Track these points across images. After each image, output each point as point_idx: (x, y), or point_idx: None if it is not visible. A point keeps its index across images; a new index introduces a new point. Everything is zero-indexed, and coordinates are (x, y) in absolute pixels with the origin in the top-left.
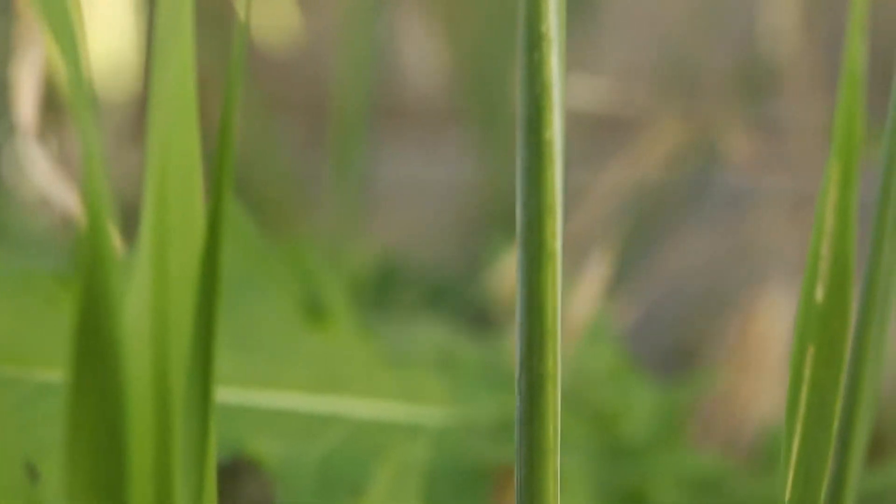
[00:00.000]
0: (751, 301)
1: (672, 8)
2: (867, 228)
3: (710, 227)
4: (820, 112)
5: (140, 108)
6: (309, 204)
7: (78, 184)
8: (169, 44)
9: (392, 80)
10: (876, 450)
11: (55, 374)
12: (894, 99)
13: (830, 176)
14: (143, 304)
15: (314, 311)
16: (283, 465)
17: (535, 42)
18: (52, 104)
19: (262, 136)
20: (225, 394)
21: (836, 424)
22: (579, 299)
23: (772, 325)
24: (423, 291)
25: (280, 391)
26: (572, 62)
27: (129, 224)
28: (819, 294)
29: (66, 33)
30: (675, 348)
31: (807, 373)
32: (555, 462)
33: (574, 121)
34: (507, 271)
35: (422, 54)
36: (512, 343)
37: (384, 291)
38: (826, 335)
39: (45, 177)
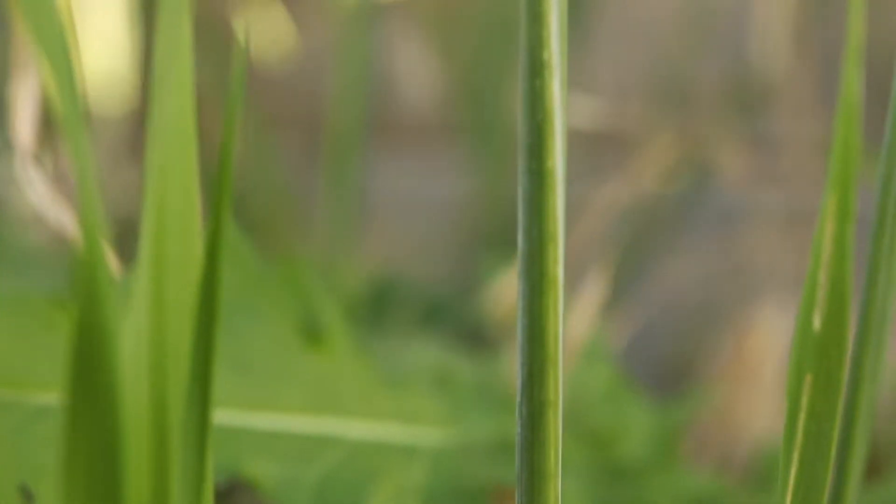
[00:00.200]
0: (745, 317)
1: (664, 25)
2: (864, 242)
3: (704, 244)
4: (813, 127)
5: (137, 123)
6: (305, 219)
7: (74, 203)
8: (168, 69)
9: (387, 97)
10: (871, 468)
11: (52, 397)
12: (891, 120)
13: (828, 206)
14: (141, 328)
15: (311, 332)
16: (280, 487)
17: (537, 69)
18: (49, 122)
19: (258, 152)
20: (221, 415)
21: (833, 452)
22: (576, 319)
23: (767, 342)
24: (420, 309)
25: (277, 413)
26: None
27: (128, 240)
28: (816, 323)
29: (59, 53)
30: (670, 364)
31: (804, 401)
32: (556, 488)
33: (568, 139)
34: (503, 289)
35: (417, 70)
36: (509, 362)
37: (380, 309)
38: (823, 364)
39: (41, 197)
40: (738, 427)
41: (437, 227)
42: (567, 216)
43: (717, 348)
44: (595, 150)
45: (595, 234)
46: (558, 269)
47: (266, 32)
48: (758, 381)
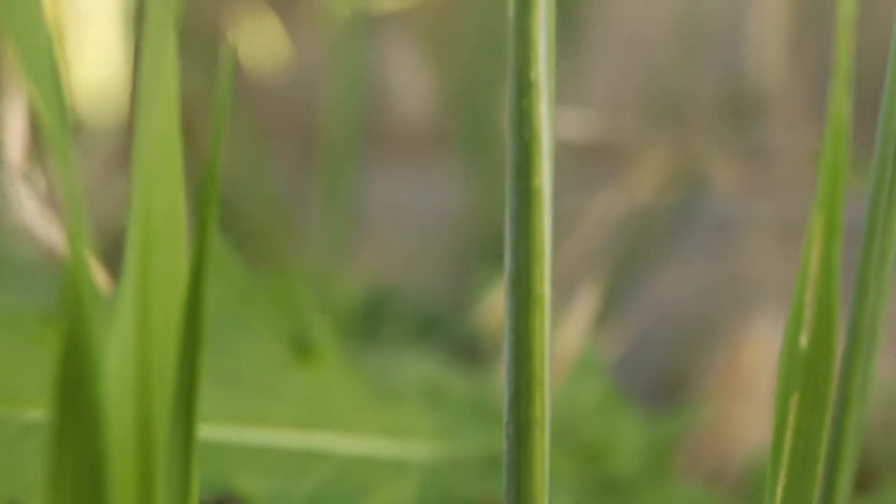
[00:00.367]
0: (739, 329)
1: (658, 37)
2: (853, 254)
3: (698, 255)
4: (807, 138)
5: (130, 134)
6: (298, 230)
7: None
8: (154, 83)
9: (381, 108)
10: (862, 481)
11: (42, 412)
12: (881, 133)
13: (815, 225)
14: (127, 344)
15: (301, 347)
16: (271, 502)
17: (524, 89)
18: (39, 138)
19: (252, 163)
20: (212, 430)
21: (820, 470)
22: (568, 334)
23: (761, 354)
24: (413, 322)
25: (267, 428)
26: (560, 93)
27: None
28: (803, 341)
29: (44, 70)
30: (663, 376)
31: (791, 419)
32: None
33: (562, 151)
34: (496, 303)
35: (411, 82)
36: (501, 377)
37: (373, 322)
38: (810, 382)
39: (31, 212)
40: (732, 440)
41: (430, 238)
42: (562, 228)
43: (711, 360)
44: (590, 161)
45: (589, 246)
46: (545, 287)
47: (260, 43)
48: (751, 393)
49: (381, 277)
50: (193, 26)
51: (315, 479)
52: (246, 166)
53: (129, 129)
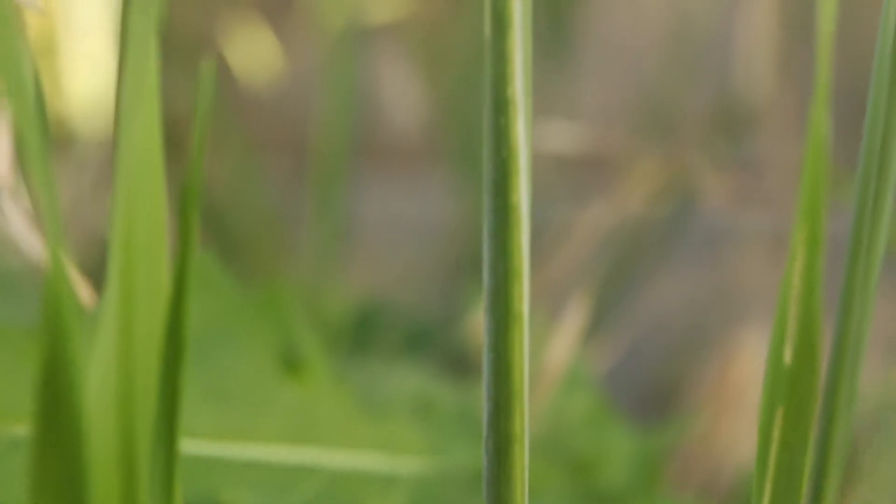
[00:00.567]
0: (730, 341)
1: (648, 50)
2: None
3: (688, 267)
4: (797, 150)
5: None
6: (290, 242)
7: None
8: (135, 100)
9: (374, 121)
10: (848, 489)
11: (26, 429)
12: (865, 145)
13: (797, 241)
14: (109, 359)
15: (290, 362)
16: None
17: (501, 107)
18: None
19: (244, 175)
20: (199, 445)
21: (805, 483)
22: (557, 345)
23: (752, 366)
24: (404, 335)
25: (256, 443)
26: (550, 105)
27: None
28: (787, 356)
29: (22, 86)
30: (653, 389)
31: (776, 434)
32: None
33: (552, 163)
34: None
35: (403, 94)
36: None
37: (365, 335)
38: (795, 397)
39: (18, 227)
40: (722, 452)
41: (422, 250)
42: (552, 239)
43: (702, 372)
44: (580, 173)
45: (579, 257)
46: (523, 305)
47: (253, 55)
48: (742, 405)
49: (373, 290)
50: (186, 38)
51: (304, 494)
52: (238, 178)
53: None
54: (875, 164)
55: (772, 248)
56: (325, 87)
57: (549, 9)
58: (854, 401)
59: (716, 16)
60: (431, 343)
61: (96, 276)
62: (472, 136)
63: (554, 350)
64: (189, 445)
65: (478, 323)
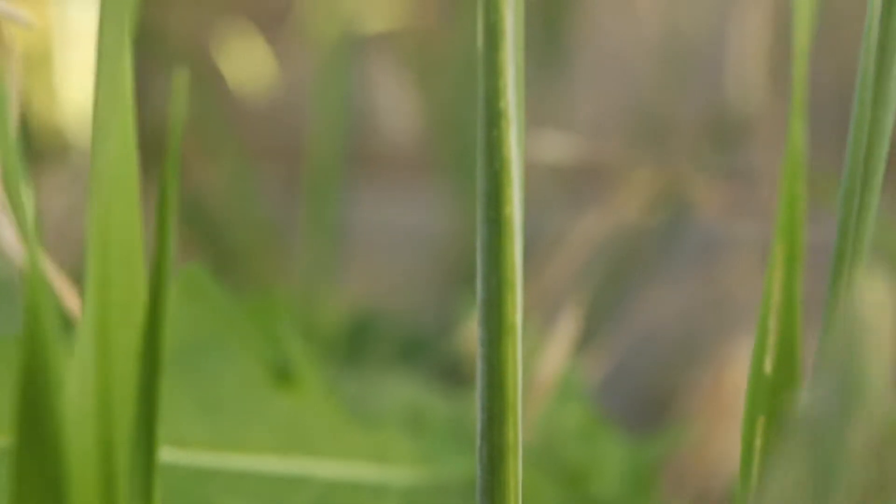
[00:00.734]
0: (724, 350)
1: (642, 60)
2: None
3: (682, 277)
4: None
5: None
6: (284, 251)
7: (48, 244)
8: (110, 112)
9: (367, 130)
10: None
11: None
12: (849, 154)
13: (776, 255)
14: (87, 371)
15: (282, 371)
16: None
17: (493, 119)
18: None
19: (238, 184)
20: (192, 456)
21: None
22: (551, 355)
23: (744, 375)
24: (398, 345)
25: (247, 453)
26: (544, 116)
27: None
28: (768, 367)
29: None
30: (648, 397)
31: (758, 444)
32: None
33: (547, 173)
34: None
35: (397, 104)
36: None
37: (358, 344)
38: (776, 407)
39: (7, 239)
40: (716, 461)
41: (416, 260)
42: (546, 250)
43: (696, 381)
44: (574, 183)
45: (573, 267)
46: (517, 316)
47: (247, 64)
48: (735, 414)
49: (366, 298)
50: (180, 47)
51: None
52: (232, 186)
53: None
54: (860, 171)
55: (765, 257)
56: (318, 97)
57: (544, 20)
58: None
59: (709, 27)
60: (425, 352)
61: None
62: (465, 146)
63: (547, 360)
64: (181, 456)
65: (471, 332)
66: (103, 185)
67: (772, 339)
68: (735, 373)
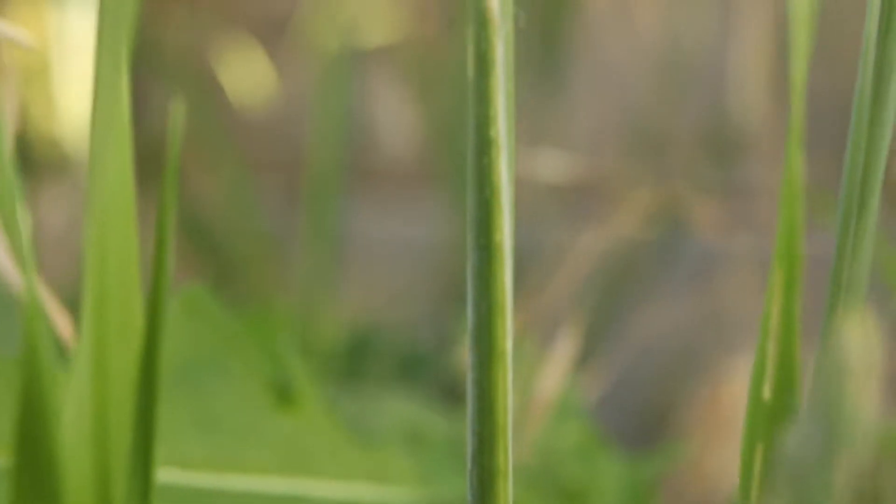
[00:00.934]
0: (721, 367)
1: (640, 76)
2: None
3: (680, 293)
4: None
5: None
6: (283, 264)
7: (46, 256)
8: (106, 132)
9: (367, 143)
10: None
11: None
12: (846, 172)
13: (774, 280)
14: (83, 395)
15: (281, 391)
16: None
17: (484, 147)
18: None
19: (238, 197)
20: (191, 476)
21: None
22: (549, 374)
23: (742, 391)
24: (397, 361)
25: (247, 473)
26: (542, 133)
27: None
28: (767, 393)
29: None
30: (645, 414)
31: (756, 469)
32: None
33: (544, 190)
34: None
35: (396, 117)
36: None
37: (357, 361)
38: (774, 432)
39: (7, 268)
40: (714, 478)
41: (415, 273)
42: (544, 267)
43: (694, 397)
44: (572, 200)
45: (572, 284)
46: (507, 341)
47: (247, 78)
48: (733, 431)
49: (366, 313)
50: (180, 60)
51: None
52: (231, 199)
53: None
54: (856, 195)
55: (763, 273)
56: (318, 110)
57: (541, 36)
58: None
59: (707, 42)
60: (424, 369)
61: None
62: (464, 159)
63: (546, 378)
64: (179, 476)
65: (467, 350)
66: (99, 207)
67: (770, 365)
68: (733, 388)
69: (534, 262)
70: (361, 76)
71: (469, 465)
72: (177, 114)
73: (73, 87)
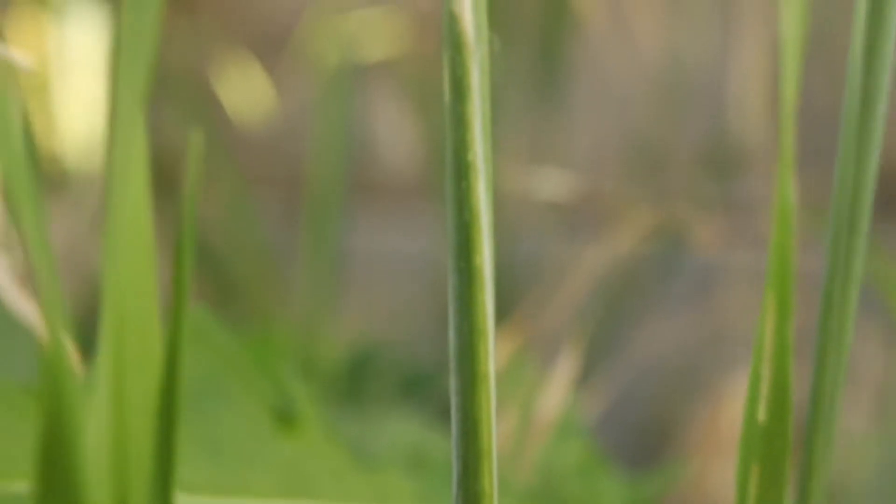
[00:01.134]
0: (721, 383)
1: (640, 93)
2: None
3: (680, 309)
4: None
5: None
6: (284, 280)
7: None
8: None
9: (367, 158)
10: None
11: (25, 485)
12: (836, 189)
13: (767, 304)
14: (103, 421)
15: (283, 414)
16: None
17: (462, 171)
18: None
19: (238, 212)
20: (194, 500)
21: None
22: (550, 392)
23: (742, 410)
24: (399, 380)
25: (250, 497)
26: (542, 151)
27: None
28: (761, 414)
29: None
30: (645, 430)
31: (752, 492)
32: None
33: (544, 208)
34: None
35: (396, 131)
36: None
37: (359, 380)
38: (769, 454)
39: (8, 288)
40: (714, 495)
41: (416, 288)
42: (544, 283)
43: (694, 413)
44: (572, 217)
45: (572, 302)
46: (489, 364)
47: (246, 93)
48: (734, 448)
49: (366, 327)
50: (180, 76)
51: None
52: (231, 215)
53: None
54: (847, 206)
55: (763, 289)
56: (318, 125)
57: (541, 53)
58: (831, 453)
59: (706, 60)
60: (425, 388)
61: (92, 319)
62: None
63: (546, 397)
64: (182, 500)
65: None
66: (118, 237)
67: (764, 387)
68: (733, 405)
69: (534, 279)
70: (361, 92)
71: (454, 489)
72: (195, 144)
73: (74, 104)
